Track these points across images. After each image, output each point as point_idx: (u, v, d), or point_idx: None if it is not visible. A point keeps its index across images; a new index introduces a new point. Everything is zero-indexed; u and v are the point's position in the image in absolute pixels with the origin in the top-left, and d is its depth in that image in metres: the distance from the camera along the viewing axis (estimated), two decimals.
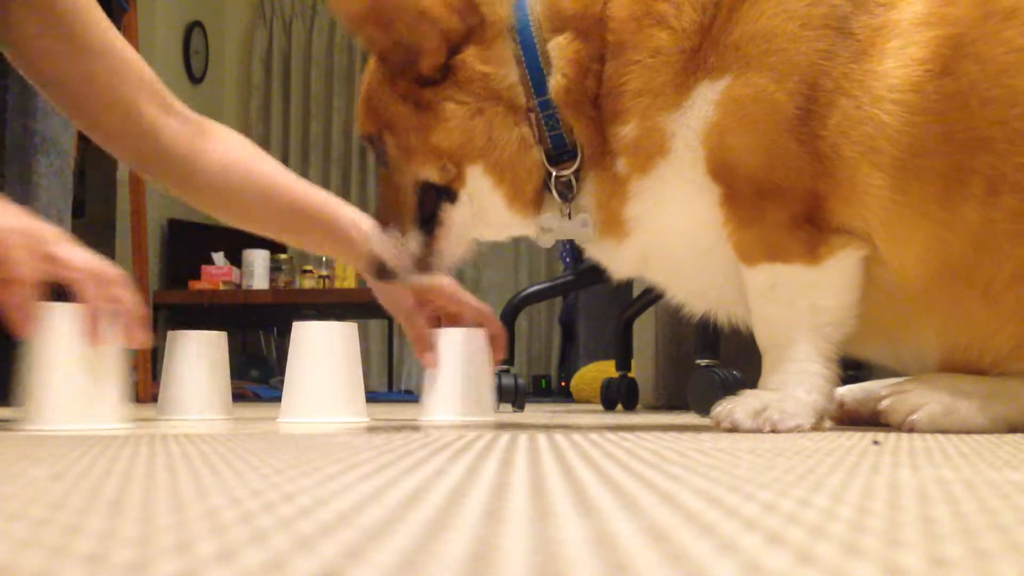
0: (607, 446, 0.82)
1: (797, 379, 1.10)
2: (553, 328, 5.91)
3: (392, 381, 5.58)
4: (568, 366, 4.81)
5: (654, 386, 2.69)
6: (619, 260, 1.23)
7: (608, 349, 3.44)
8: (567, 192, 1.17)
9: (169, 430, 1.14)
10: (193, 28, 5.89)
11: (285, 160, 6.44)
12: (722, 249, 1.15)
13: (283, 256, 5.00)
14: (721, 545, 0.33)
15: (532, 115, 1.16)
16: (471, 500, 0.45)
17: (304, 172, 6.43)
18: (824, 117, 1.09)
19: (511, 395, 2.18)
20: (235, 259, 4.82)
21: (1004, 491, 0.51)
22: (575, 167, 1.16)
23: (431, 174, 1.19)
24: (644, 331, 2.74)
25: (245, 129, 6.50)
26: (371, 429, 1.19)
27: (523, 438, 0.93)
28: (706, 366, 1.76)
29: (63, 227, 2.53)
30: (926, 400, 1.09)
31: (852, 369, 2.28)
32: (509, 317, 2.39)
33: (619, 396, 2.57)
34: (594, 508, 0.43)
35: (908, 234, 1.10)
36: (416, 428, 1.20)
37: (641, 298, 2.54)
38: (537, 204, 1.19)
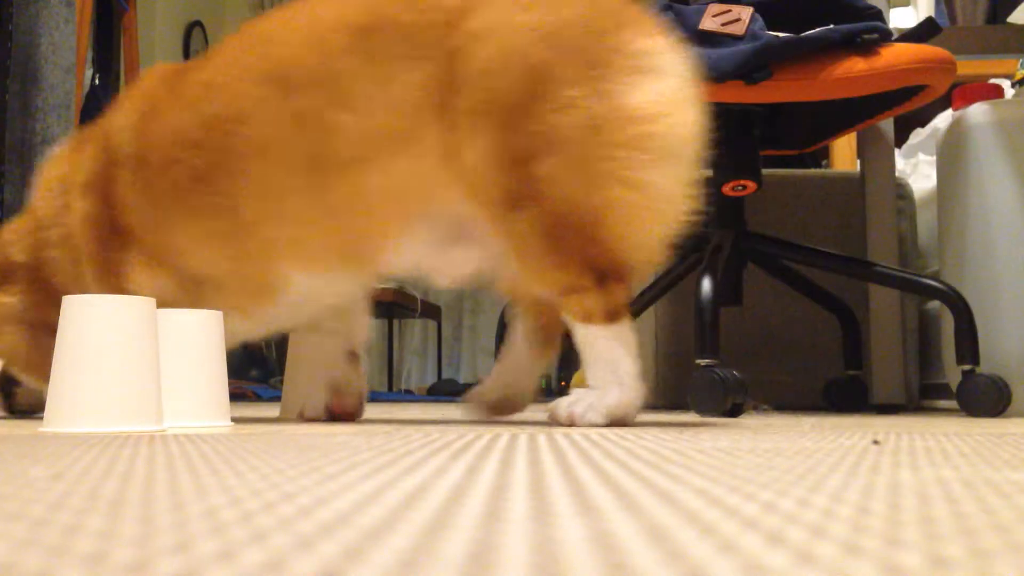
0: (607, 446, 0.82)
1: None
2: None
3: (392, 381, 5.57)
4: (568, 366, 4.81)
5: (654, 386, 2.69)
6: None
7: None
8: None
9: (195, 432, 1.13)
10: (193, 28, 5.89)
11: None
12: None
13: None
14: (721, 545, 0.33)
15: None
16: (471, 500, 0.45)
17: None
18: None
19: None
20: None
21: (1004, 491, 0.51)
22: None
23: None
24: (644, 331, 2.74)
25: None
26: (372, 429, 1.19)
27: (523, 438, 0.93)
28: (706, 366, 1.76)
29: None
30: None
31: (852, 369, 2.28)
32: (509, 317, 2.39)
33: None
34: (594, 508, 0.43)
35: None
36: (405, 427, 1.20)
37: (641, 298, 2.54)
38: None
